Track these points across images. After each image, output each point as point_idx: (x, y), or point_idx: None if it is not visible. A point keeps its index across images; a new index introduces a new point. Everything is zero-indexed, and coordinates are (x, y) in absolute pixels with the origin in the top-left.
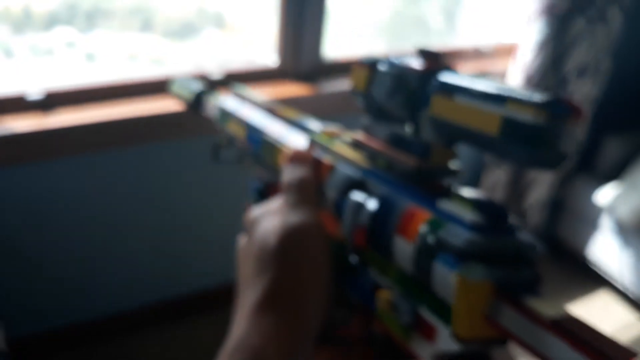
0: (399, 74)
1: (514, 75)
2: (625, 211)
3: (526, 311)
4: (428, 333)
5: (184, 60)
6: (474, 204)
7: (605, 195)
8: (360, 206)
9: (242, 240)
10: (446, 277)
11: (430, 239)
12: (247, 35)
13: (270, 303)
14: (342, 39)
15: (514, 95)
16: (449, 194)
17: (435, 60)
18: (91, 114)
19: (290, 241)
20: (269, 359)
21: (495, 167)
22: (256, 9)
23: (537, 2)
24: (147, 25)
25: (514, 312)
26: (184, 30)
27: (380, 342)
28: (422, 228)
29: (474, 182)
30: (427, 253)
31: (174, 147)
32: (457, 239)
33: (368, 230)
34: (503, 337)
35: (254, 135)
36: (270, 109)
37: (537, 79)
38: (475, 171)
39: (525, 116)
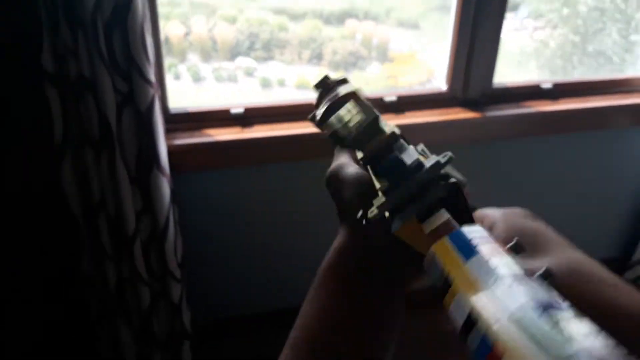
0: None
1: None
2: None
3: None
4: None
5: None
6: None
7: None
8: None
9: None
10: None
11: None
12: (410, 66)
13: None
14: (510, 66)
15: None
16: None
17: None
18: (280, 129)
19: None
20: (315, 326)
21: None
22: (415, 41)
23: None
24: (316, 57)
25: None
26: (349, 62)
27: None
28: None
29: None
30: None
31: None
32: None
33: None
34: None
35: None
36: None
37: None
38: None
39: None
